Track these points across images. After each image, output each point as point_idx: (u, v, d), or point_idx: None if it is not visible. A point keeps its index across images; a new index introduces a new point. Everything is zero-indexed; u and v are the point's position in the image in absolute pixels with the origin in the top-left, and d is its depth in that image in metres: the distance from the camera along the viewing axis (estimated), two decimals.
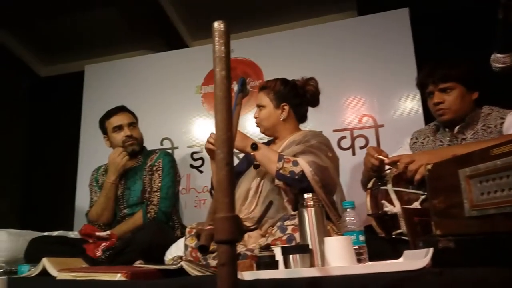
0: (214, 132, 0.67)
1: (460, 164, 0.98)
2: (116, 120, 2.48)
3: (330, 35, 3.11)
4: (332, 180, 1.89)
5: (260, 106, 2.10)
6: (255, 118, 2.12)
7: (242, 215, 1.89)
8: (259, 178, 1.97)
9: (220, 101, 0.69)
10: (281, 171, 1.81)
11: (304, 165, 1.81)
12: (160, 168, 2.45)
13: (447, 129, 1.97)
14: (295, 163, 1.82)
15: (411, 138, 2.11)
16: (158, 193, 2.38)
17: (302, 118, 2.17)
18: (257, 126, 2.14)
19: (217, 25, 0.71)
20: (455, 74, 1.87)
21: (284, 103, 2.06)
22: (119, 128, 2.47)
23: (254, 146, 1.89)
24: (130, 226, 2.31)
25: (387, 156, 1.71)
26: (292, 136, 2.05)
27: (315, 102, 2.17)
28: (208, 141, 1.93)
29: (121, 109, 2.54)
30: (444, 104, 1.89)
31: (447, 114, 1.90)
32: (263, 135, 2.21)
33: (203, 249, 0.65)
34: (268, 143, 2.21)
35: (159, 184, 2.41)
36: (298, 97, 2.11)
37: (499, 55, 1.23)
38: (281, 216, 1.73)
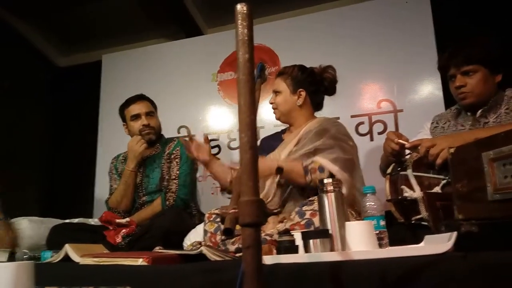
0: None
1: (484, 147, 0.96)
2: (134, 109, 2.50)
3: (348, 19, 3.06)
4: (357, 169, 1.92)
5: (276, 92, 2.09)
6: (271, 103, 2.11)
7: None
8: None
9: (243, 84, 0.69)
10: (311, 184, 1.80)
11: (330, 166, 1.79)
12: (178, 156, 2.46)
13: (469, 113, 1.91)
14: (321, 170, 1.80)
15: (432, 123, 2.07)
16: (176, 180, 2.41)
17: (318, 105, 2.16)
18: (274, 112, 2.13)
19: (240, 7, 0.70)
20: (478, 56, 1.81)
21: (301, 89, 2.06)
22: (136, 116, 2.49)
23: (279, 169, 1.82)
24: (149, 213, 2.34)
25: (407, 141, 1.68)
26: (307, 125, 2.03)
27: (332, 91, 2.15)
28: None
29: (140, 98, 2.56)
30: (466, 87, 1.83)
31: (469, 98, 1.84)
32: (278, 122, 2.20)
33: (228, 232, 0.65)
34: (283, 132, 2.21)
35: (177, 172, 2.42)
36: (315, 84, 2.10)
37: None
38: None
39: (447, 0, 2.89)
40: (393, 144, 1.68)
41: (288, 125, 2.18)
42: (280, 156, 1.97)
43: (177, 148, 2.49)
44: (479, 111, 1.85)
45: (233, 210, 0.66)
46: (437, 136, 1.97)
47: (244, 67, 0.68)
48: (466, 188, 1.04)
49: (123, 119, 2.57)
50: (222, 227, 0.67)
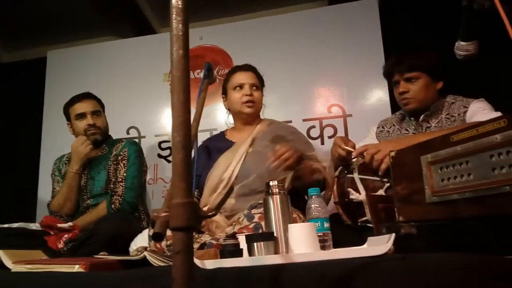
0: None
1: (422, 151, 0.98)
2: (79, 108, 2.39)
3: (300, 23, 3.10)
4: None
5: (254, 86, 2.07)
6: (248, 95, 2.05)
7: (209, 206, 1.87)
8: (231, 169, 1.92)
9: (177, 81, 0.66)
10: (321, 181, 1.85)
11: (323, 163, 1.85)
12: (126, 158, 2.38)
13: (412, 118, 2.00)
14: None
15: (377, 127, 2.14)
16: (123, 183, 2.32)
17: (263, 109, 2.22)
18: (249, 105, 2.05)
19: (175, 2, 0.67)
20: (421, 64, 1.89)
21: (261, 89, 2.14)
22: (82, 116, 2.38)
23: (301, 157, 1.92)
24: (93, 217, 2.25)
25: (354, 147, 1.72)
26: (259, 126, 2.06)
27: None
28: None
29: (86, 96, 2.45)
30: (409, 93, 1.91)
31: (412, 104, 1.93)
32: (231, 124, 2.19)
33: (158, 237, 0.62)
34: (223, 132, 2.22)
35: (124, 174, 2.34)
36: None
37: (462, 43, 1.24)
38: (249, 204, 1.71)
39: (395, 8, 3.00)
40: (340, 150, 1.71)
41: (229, 125, 2.21)
42: (235, 157, 1.95)
43: (125, 149, 2.41)
44: (422, 116, 1.94)
45: (164, 214, 0.63)
46: (382, 139, 2.04)
47: (178, 64, 0.66)
48: (406, 190, 1.06)
49: (68, 118, 2.46)
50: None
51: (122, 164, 2.36)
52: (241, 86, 2.06)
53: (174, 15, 0.66)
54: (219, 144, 2.11)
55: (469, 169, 0.86)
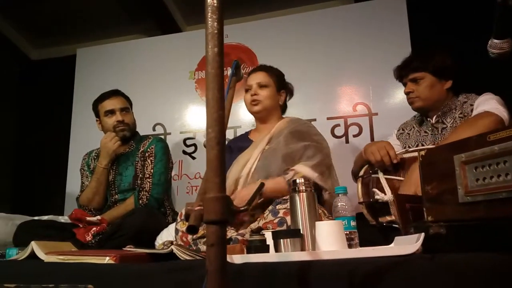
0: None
1: (455, 150, 0.97)
2: (108, 104, 2.44)
3: (326, 21, 3.08)
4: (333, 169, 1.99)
5: (262, 86, 2.08)
6: (253, 95, 2.07)
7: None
8: (249, 166, 1.95)
9: (212, 78, 0.67)
10: None
11: (311, 174, 1.82)
12: (153, 154, 2.42)
13: (428, 119, 2.02)
14: None
15: (398, 130, 2.18)
16: (150, 179, 2.36)
17: (285, 109, 2.23)
18: (254, 103, 2.08)
19: (210, 0, 0.68)
20: (424, 64, 1.94)
21: (283, 90, 2.14)
22: (111, 112, 2.43)
23: (262, 184, 1.83)
24: (121, 212, 2.29)
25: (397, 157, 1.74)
26: (278, 123, 2.07)
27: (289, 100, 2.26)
28: None
29: (115, 93, 2.50)
30: (414, 93, 1.97)
31: (417, 103, 1.97)
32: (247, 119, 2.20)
33: (192, 230, 0.64)
34: (248, 133, 2.23)
35: (152, 170, 2.38)
36: (289, 89, 2.21)
37: (496, 41, 1.22)
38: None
39: (423, 7, 2.94)
40: (387, 158, 1.71)
41: (254, 119, 2.21)
42: (252, 155, 1.97)
43: (152, 146, 2.45)
44: (434, 117, 1.95)
45: (198, 207, 0.64)
46: (403, 141, 2.08)
47: (213, 61, 0.67)
48: (436, 190, 1.05)
49: (97, 114, 2.51)
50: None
51: (149, 161, 2.40)
52: (250, 88, 2.10)
53: (209, 14, 0.67)
54: (241, 144, 2.14)
55: (507, 169, 0.85)
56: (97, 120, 2.53)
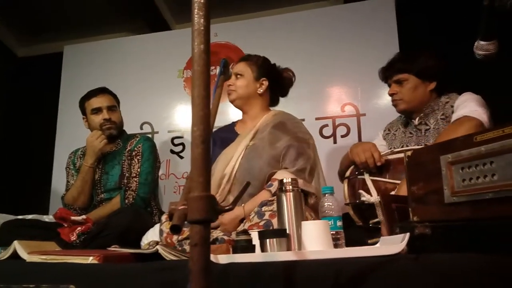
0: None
1: (442, 151, 0.97)
2: (95, 102, 2.41)
3: (316, 22, 3.09)
4: (319, 169, 1.95)
5: (238, 75, 2.05)
6: (230, 85, 2.04)
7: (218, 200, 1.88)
8: (232, 164, 1.92)
9: (198, 76, 0.66)
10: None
11: None
12: (140, 153, 2.40)
13: (412, 121, 2.03)
14: None
15: (384, 130, 2.19)
16: (137, 178, 2.34)
17: (274, 101, 2.16)
18: (229, 93, 2.05)
19: None
20: (408, 66, 1.95)
21: (264, 78, 2.06)
22: (97, 110, 2.41)
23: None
24: (107, 211, 2.27)
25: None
26: (264, 117, 2.03)
27: (285, 91, 2.17)
28: None
29: (102, 91, 2.47)
30: (397, 95, 1.98)
31: (401, 105, 1.98)
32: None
33: (176, 229, 0.63)
34: (234, 124, 2.17)
35: (138, 170, 2.36)
36: (276, 78, 2.11)
37: (482, 42, 1.23)
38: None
39: (411, 9, 2.97)
40: (371, 160, 1.72)
41: (241, 113, 2.14)
42: (236, 150, 1.93)
43: (139, 145, 2.43)
44: (417, 118, 1.96)
45: (182, 206, 0.63)
46: (389, 142, 2.09)
47: (200, 58, 0.66)
48: (421, 190, 1.05)
49: (83, 112, 2.48)
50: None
51: (136, 160, 2.38)
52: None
53: (196, 10, 0.67)
54: (225, 135, 2.09)
55: (493, 169, 0.85)
56: (83, 118, 2.50)
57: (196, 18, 0.67)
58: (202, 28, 0.66)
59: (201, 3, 0.67)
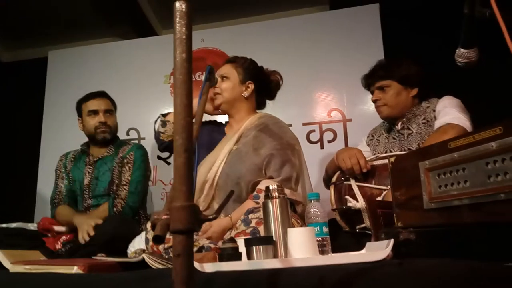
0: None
1: (421, 157, 0.99)
2: (92, 104, 2.40)
3: (302, 28, 3.12)
4: (305, 175, 1.92)
5: (224, 77, 2.00)
6: (215, 88, 1.98)
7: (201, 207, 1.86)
8: (215, 170, 1.87)
9: (180, 85, 0.66)
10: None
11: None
12: (131, 161, 2.37)
13: (393, 126, 2.06)
14: None
15: (368, 136, 2.21)
16: (127, 186, 2.31)
17: (261, 104, 2.13)
18: (214, 97, 1.99)
19: (179, 5, 0.68)
20: (390, 73, 1.99)
21: (250, 81, 2.01)
22: (94, 112, 2.39)
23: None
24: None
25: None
26: (248, 120, 1.97)
27: (273, 94, 2.14)
28: None
29: (101, 94, 2.46)
30: (381, 101, 2.01)
31: (385, 111, 2.01)
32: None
33: (158, 240, 0.62)
34: (225, 125, 2.12)
35: (129, 178, 2.34)
36: (263, 81, 2.07)
37: (463, 50, 1.25)
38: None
39: (396, 16, 3.02)
40: (357, 166, 1.73)
41: (227, 116, 2.09)
42: (219, 155, 1.90)
43: (131, 153, 2.40)
44: (399, 123, 2.00)
45: (165, 216, 0.63)
46: (373, 147, 2.11)
47: (181, 67, 0.66)
48: (404, 196, 1.06)
49: (79, 113, 2.45)
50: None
51: (127, 167, 2.35)
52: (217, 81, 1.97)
53: (177, 19, 0.67)
54: (216, 135, 2.05)
55: (465, 176, 0.87)
56: (78, 119, 2.47)
57: (178, 27, 0.67)
58: (184, 37, 0.67)
59: (182, 12, 0.67)
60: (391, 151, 1.97)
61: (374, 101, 2.04)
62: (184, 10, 0.67)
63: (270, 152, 1.83)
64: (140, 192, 2.35)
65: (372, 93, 2.07)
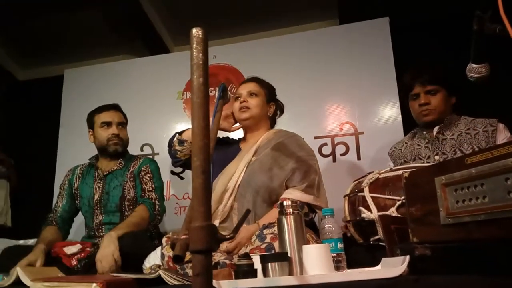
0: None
1: (437, 172, 0.99)
2: (106, 116, 2.41)
3: (312, 42, 3.14)
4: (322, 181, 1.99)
5: (253, 94, 2.08)
6: (243, 102, 2.05)
7: (217, 221, 1.88)
8: (235, 180, 1.93)
9: (197, 108, 0.68)
10: None
11: (305, 197, 1.83)
12: (150, 172, 2.36)
13: (424, 132, 2.05)
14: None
15: (390, 149, 2.22)
16: (154, 192, 2.30)
17: (274, 123, 2.23)
18: (243, 110, 2.05)
19: (195, 32, 0.70)
20: (440, 77, 2.00)
21: (272, 103, 2.15)
22: (107, 124, 2.39)
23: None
24: (137, 219, 2.16)
25: None
26: (265, 134, 2.07)
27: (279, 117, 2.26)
28: None
29: (114, 107, 2.48)
30: (430, 105, 2.01)
31: (432, 115, 2.01)
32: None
33: (178, 259, 0.64)
34: (239, 141, 2.19)
35: (153, 186, 2.33)
36: (279, 106, 2.21)
37: (474, 65, 1.26)
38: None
39: (406, 30, 3.04)
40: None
41: (239, 133, 2.19)
42: (238, 166, 1.96)
43: (146, 165, 2.39)
44: (436, 128, 2.01)
45: (184, 236, 0.65)
46: (396, 158, 2.12)
47: (199, 91, 0.68)
48: (420, 212, 1.06)
49: (91, 125, 2.44)
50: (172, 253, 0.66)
51: (147, 177, 2.35)
52: (240, 96, 2.09)
53: (194, 45, 0.69)
54: (231, 153, 2.10)
55: (484, 191, 0.86)
56: (89, 131, 2.46)
57: (195, 53, 0.69)
58: (200, 62, 0.69)
59: (199, 38, 0.70)
60: (419, 158, 2.01)
61: (423, 104, 2.01)
62: (200, 36, 0.69)
63: (293, 167, 1.91)
64: (163, 200, 2.36)
65: (413, 96, 2.05)
